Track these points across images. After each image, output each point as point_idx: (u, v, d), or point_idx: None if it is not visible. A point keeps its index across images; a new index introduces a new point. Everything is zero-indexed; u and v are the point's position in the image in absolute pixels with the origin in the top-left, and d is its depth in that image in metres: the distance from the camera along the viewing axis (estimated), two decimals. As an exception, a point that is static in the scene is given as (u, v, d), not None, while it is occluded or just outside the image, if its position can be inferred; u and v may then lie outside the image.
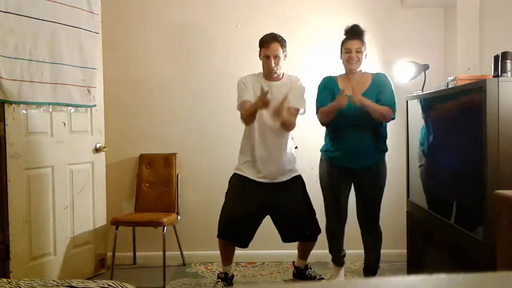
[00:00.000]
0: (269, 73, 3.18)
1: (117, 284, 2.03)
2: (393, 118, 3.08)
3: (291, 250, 3.83)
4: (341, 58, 3.10)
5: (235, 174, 3.27)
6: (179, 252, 3.86)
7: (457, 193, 2.62)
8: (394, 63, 3.79)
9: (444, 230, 2.68)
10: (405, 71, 3.64)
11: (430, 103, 3.02)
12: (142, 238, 3.93)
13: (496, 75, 2.36)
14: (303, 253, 3.48)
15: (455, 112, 2.67)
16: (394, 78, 3.81)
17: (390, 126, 3.91)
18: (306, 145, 3.90)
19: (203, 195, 3.92)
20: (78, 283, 2.02)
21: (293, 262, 3.60)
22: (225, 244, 3.26)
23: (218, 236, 3.25)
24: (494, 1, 3.48)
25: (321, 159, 3.26)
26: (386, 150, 3.15)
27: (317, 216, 3.31)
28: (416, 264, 3.22)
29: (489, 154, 2.19)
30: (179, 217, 3.79)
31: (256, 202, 3.19)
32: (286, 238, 3.36)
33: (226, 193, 3.28)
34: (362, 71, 3.10)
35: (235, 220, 3.17)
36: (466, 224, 2.43)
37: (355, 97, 2.88)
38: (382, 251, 3.94)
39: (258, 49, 3.20)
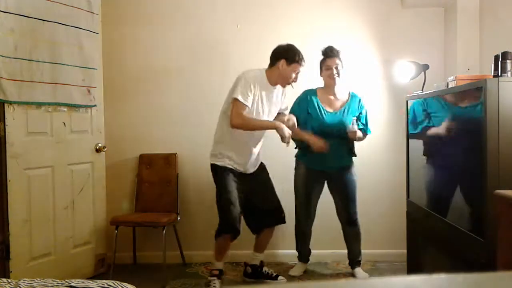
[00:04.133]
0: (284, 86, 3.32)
1: (117, 284, 2.03)
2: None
3: (291, 250, 3.84)
4: (321, 75, 3.49)
5: (223, 166, 3.19)
6: (179, 252, 3.86)
7: (457, 193, 2.62)
8: (394, 63, 3.79)
9: (444, 230, 2.67)
10: (405, 71, 3.64)
11: (430, 103, 3.02)
12: (142, 238, 3.93)
13: (496, 75, 2.36)
14: (264, 244, 3.47)
15: (455, 112, 2.67)
16: (394, 78, 3.82)
17: (390, 126, 3.92)
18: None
19: (203, 195, 3.91)
20: (78, 283, 2.02)
21: (245, 262, 3.54)
22: (228, 239, 3.23)
23: (226, 232, 3.19)
24: (494, 1, 3.48)
25: (297, 163, 3.56)
26: (355, 154, 3.53)
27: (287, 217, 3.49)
28: (416, 264, 3.22)
29: (489, 154, 2.19)
30: (179, 217, 3.79)
31: (242, 192, 3.25)
32: (260, 226, 3.37)
33: (220, 186, 3.21)
34: (337, 85, 3.45)
35: (239, 212, 3.20)
36: (466, 224, 2.43)
37: (352, 133, 3.35)
38: (381, 251, 3.95)
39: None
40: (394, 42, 3.90)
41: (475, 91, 2.34)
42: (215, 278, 3.27)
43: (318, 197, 3.56)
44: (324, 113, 3.42)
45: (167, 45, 3.96)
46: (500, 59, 2.37)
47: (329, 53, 3.42)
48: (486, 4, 3.51)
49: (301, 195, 3.53)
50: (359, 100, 3.51)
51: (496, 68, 2.39)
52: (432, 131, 2.96)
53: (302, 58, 3.20)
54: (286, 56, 3.15)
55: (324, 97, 3.47)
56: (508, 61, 2.36)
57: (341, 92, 3.49)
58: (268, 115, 3.24)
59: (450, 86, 2.73)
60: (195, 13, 3.95)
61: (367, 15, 3.90)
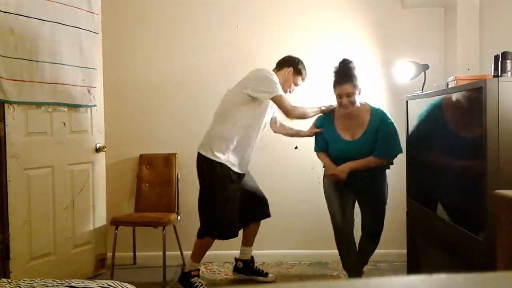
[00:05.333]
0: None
1: (117, 284, 2.03)
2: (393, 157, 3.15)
3: (291, 250, 3.84)
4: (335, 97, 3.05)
5: (223, 164, 3.13)
6: (179, 252, 3.86)
7: (457, 193, 2.62)
8: (394, 63, 3.79)
9: (444, 230, 2.67)
10: (405, 71, 3.64)
11: (430, 103, 3.02)
12: (142, 238, 3.93)
13: (496, 75, 2.36)
14: (252, 238, 3.48)
15: (455, 112, 2.67)
16: (394, 78, 3.81)
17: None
18: (306, 145, 3.90)
19: (203, 195, 3.91)
20: (78, 283, 2.02)
21: (235, 258, 3.54)
22: (212, 240, 3.25)
23: (216, 238, 3.22)
24: (494, 1, 3.48)
25: (325, 175, 3.23)
26: (388, 166, 3.17)
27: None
28: (416, 264, 3.22)
29: (489, 154, 2.19)
30: (179, 217, 3.79)
31: (240, 193, 3.26)
32: (247, 221, 3.37)
33: (215, 187, 3.14)
34: (359, 105, 3.02)
35: (235, 219, 3.19)
36: (466, 224, 2.43)
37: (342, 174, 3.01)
38: (381, 251, 3.94)
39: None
40: (394, 42, 3.90)
41: (475, 91, 2.34)
42: (198, 278, 3.29)
43: (350, 203, 3.18)
44: (342, 142, 3.06)
45: (167, 45, 3.96)
46: (500, 59, 2.38)
47: (338, 80, 2.96)
48: (486, 4, 3.51)
49: (330, 204, 3.21)
50: (380, 117, 3.04)
51: (496, 68, 2.39)
52: (432, 131, 2.96)
53: (306, 75, 3.33)
54: (295, 66, 3.28)
55: (341, 123, 3.09)
56: (508, 61, 2.36)
57: (361, 114, 3.04)
58: (269, 115, 3.31)
59: (450, 86, 2.73)
60: (195, 13, 3.95)
61: (367, 15, 3.90)
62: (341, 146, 3.05)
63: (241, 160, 3.22)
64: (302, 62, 3.33)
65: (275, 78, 3.13)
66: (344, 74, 2.93)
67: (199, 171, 3.22)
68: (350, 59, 3.02)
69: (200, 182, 3.24)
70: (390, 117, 3.06)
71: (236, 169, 3.20)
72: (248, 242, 3.49)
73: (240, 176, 3.26)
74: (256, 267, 3.53)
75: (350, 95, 2.92)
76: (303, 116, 3.21)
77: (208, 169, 3.16)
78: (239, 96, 3.12)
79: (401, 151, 3.07)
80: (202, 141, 3.23)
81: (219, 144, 3.14)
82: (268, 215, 3.46)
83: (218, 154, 3.13)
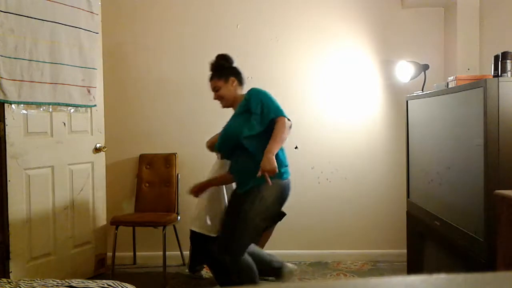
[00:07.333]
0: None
1: (117, 284, 2.03)
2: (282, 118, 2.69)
3: (291, 250, 3.84)
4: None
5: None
6: (179, 252, 3.86)
7: (457, 193, 2.62)
8: (394, 63, 3.79)
9: (444, 230, 2.68)
10: (405, 71, 3.64)
11: (430, 103, 3.02)
12: (142, 238, 3.93)
13: (496, 75, 2.36)
14: (263, 243, 3.47)
15: (455, 112, 2.67)
16: (394, 78, 3.82)
17: (390, 126, 3.91)
18: (306, 145, 3.90)
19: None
20: (78, 283, 2.02)
21: None
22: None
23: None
24: (494, 1, 3.48)
25: (280, 183, 2.76)
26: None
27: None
28: (416, 264, 3.22)
29: (489, 154, 2.19)
30: (179, 217, 3.79)
31: None
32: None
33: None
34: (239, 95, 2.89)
35: None
36: (466, 224, 2.43)
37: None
38: (381, 251, 3.93)
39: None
40: (394, 42, 3.90)
41: (475, 91, 2.34)
42: None
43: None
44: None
45: (167, 45, 3.96)
46: (500, 59, 2.37)
47: (209, 77, 2.93)
48: (486, 4, 3.51)
49: (266, 219, 2.92)
50: (248, 93, 2.80)
51: (496, 68, 2.39)
52: (432, 131, 2.96)
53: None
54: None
55: None
56: (508, 61, 2.36)
57: (238, 102, 2.89)
58: None
59: (450, 86, 2.73)
60: (195, 13, 3.95)
61: (367, 15, 3.90)
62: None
63: None
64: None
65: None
66: (212, 70, 2.92)
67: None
68: (223, 54, 2.92)
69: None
70: (260, 89, 2.81)
71: None
72: (259, 246, 3.50)
73: None
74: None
75: (217, 89, 2.89)
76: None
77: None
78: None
79: (281, 114, 2.66)
80: None
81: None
82: (280, 219, 3.40)
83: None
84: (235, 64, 2.95)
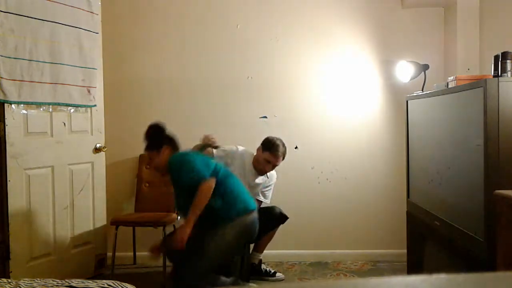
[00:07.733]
0: (260, 172, 3.41)
1: (117, 284, 2.03)
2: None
3: (291, 250, 3.84)
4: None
5: None
6: (179, 252, 3.86)
7: (457, 193, 2.62)
8: (394, 63, 3.79)
9: (444, 230, 2.67)
10: (405, 71, 3.64)
11: (430, 103, 3.02)
12: (142, 238, 3.93)
13: (496, 75, 2.36)
14: (264, 245, 3.52)
15: (455, 112, 2.67)
16: (394, 78, 3.82)
17: (390, 126, 3.92)
18: (306, 146, 3.91)
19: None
20: (78, 283, 2.02)
21: None
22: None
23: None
24: (494, 1, 3.48)
25: (242, 219, 2.82)
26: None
27: None
28: (416, 264, 3.22)
29: (489, 154, 2.19)
30: (179, 217, 3.79)
31: None
32: (265, 230, 3.32)
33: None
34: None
35: None
36: (466, 224, 2.43)
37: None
38: (382, 251, 3.92)
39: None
40: (394, 42, 3.90)
41: (475, 91, 2.34)
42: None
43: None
44: None
45: (167, 45, 3.96)
46: (500, 59, 2.38)
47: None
48: (486, 4, 3.51)
49: (231, 252, 3.00)
50: (169, 163, 2.89)
51: (496, 68, 2.39)
52: (432, 131, 2.96)
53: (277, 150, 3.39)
54: (265, 147, 3.41)
55: None
56: (508, 61, 2.36)
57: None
58: None
59: (450, 86, 2.73)
60: (195, 13, 3.95)
61: (367, 15, 3.90)
62: None
63: None
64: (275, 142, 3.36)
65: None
66: (145, 141, 2.99)
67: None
68: (155, 124, 2.98)
69: None
70: (178, 155, 2.92)
71: None
72: (260, 248, 3.54)
73: None
74: (263, 268, 3.53)
75: (151, 160, 2.98)
76: None
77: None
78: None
79: (203, 176, 2.73)
80: None
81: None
82: (283, 221, 3.50)
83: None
84: (167, 131, 2.96)
